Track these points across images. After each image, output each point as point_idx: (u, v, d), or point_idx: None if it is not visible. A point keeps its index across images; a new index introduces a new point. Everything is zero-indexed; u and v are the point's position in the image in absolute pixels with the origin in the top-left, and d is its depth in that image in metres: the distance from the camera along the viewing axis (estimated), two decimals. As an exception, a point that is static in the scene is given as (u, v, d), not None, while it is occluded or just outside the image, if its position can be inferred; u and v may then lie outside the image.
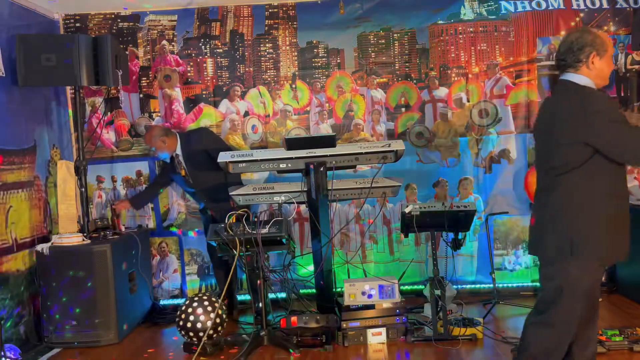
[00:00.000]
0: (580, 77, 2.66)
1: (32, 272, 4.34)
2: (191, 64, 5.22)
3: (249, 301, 4.91)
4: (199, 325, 3.97)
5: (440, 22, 5.12)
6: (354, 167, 4.55)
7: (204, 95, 5.21)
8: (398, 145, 4.26)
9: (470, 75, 5.11)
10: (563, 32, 5.00)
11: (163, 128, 4.82)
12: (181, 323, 4.02)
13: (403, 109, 5.17)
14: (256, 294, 4.15)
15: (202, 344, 3.82)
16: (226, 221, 3.93)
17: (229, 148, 4.83)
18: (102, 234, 4.52)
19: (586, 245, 2.58)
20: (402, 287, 4.47)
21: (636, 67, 5.00)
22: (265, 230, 3.88)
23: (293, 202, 4.44)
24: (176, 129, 5.10)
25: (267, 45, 5.20)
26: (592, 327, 2.83)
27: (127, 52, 5.09)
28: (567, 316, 2.65)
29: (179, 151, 4.74)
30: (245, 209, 3.99)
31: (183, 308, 4.06)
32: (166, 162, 4.87)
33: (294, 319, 3.89)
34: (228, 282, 4.10)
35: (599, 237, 2.58)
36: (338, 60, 5.19)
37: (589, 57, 2.64)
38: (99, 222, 4.71)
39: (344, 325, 4.00)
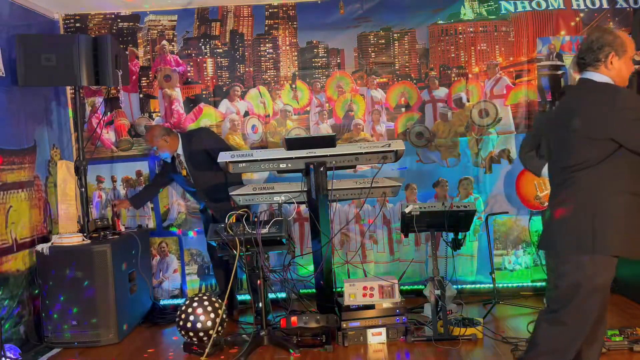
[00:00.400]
0: (599, 76, 2.67)
1: (32, 272, 4.34)
2: (191, 64, 5.22)
3: (249, 301, 4.91)
4: (199, 325, 3.97)
5: (440, 22, 5.12)
6: (354, 167, 4.55)
7: (204, 95, 5.21)
8: (398, 145, 4.26)
9: (470, 75, 5.11)
10: (563, 32, 5.00)
11: (165, 127, 4.83)
12: (181, 323, 4.02)
13: (403, 109, 5.18)
14: (256, 294, 4.15)
15: (207, 349, 3.81)
16: (226, 221, 3.93)
17: (229, 148, 4.83)
18: (102, 234, 4.52)
19: (606, 242, 2.57)
20: (402, 287, 4.47)
21: (636, 67, 4.99)
22: (265, 230, 3.88)
23: (293, 202, 4.44)
24: (176, 129, 5.10)
25: (267, 45, 5.20)
26: (601, 325, 2.82)
27: (127, 52, 5.09)
28: (581, 314, 2.64)
29: (180, 151, 4.74)
30: (246, 209, 3.99)
31: (183, 308, 4.06)
32: (167, 161, 4.87)
33: (294, 319, 3.89)
34: (230, 283, 4.10)
35: (618, 234, 2.58)
36: (338, 60, 5.19)
37: (608, 57, 2.65)
38: (99, 222, 4.71)
39: (344, 325, 4.00)
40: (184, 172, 4.76)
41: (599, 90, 2.65)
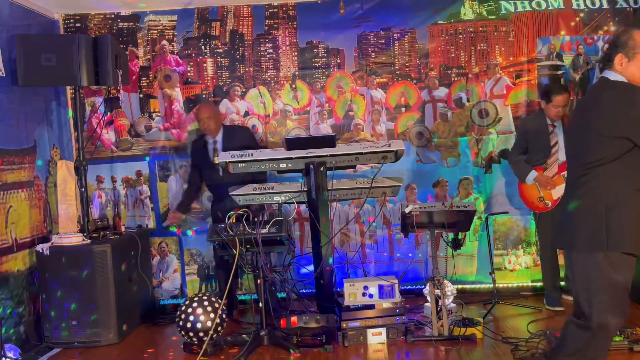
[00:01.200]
0: (614, 75, 2.64)
1: (32, 272, 4.35)
2: (191, 64, 5.22)
3: (249, 301, 4.91)
4: (198, 325, 3.97)
5: (440, 22, 5.12)
6: (354, 167, 4.55)
7: (204, 95, 5.21)
8: (398, 145, 4.26)
9: (470, 75, 5.11)
10: (563, 32, 5.00)
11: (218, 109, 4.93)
12: (181, 323, 4.02)
13: (403, 109, 5.18)
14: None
15: (205, 345, 3.81)
16: (226, 221, 3.94)
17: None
18: (102, 234, 4.52)
19: (619, 238, 2.55)
20: (402, 287, 4.47)
21: None
22: (265, 230, 3.88)
23: (293, 202, 4.43)
24: (176, 128, 5.13)
25: (267, 45, 5.20)
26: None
27: (127, 52, 5.09)
28: (606, 315, 2.58)
29: (219, 139, 4.76)
30: (246, 209, 3.98)
31: (183, 308, 4.06)
32: (196, 151, 4.84)
33: (294, 319, 3.89)
34: (229, 283, 4.10)
35: (631, 231, 2.55)
36: (338, 60, 5.19)
37: (615, 58, 2.62)
38: (99, 222, 4.71)
39: (344, 325, 4.01)
40: (216, 160, 4.74)
41: (616, 88, 2.62)
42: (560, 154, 4.49)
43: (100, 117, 5.16)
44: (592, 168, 2.63)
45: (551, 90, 4.49)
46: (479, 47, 5.11)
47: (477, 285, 5.12)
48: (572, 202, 2.72)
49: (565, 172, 4.35)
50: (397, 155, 4.26)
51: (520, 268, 5.13)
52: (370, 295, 4.07)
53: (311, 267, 4.68)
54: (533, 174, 4.48)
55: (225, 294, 4.05)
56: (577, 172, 2.72)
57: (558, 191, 4.43)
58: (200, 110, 4.80)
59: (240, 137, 4.78)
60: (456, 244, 4.11)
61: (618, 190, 2.58)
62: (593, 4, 4.97)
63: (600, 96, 2.67)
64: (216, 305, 4.05)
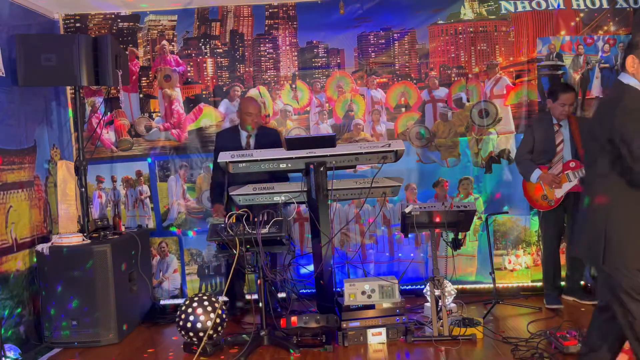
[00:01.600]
0: (627, 77, 2.57)
1: (32, 272, 4.35)
2: (191, 64, 5.22)
3: (249, 301, 4.90)
4: (198, 325, 3.97)
5: (440, 22, 5.12)
6: (354, 167, 4.55)
7: (204, 95, 5.21)
8: (398, 145, 4.27)
9: (470, 75, 5.11)
10: (563, 32, 5.00)
11: None
12: (181, 323, 4.02)
13: (403, 109, 5.18)
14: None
15: (202, 344, 3.81)
16: (226, 221, 3.94)
17: None
18: (102, 234, 4.52)
19: (618, 254, 2.47)
20: (402, 287, 4.47)
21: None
22: (265, 230, 3.88)
23: (293, 202, 4.43)
24: (176, 128, 5.13)
25: (267, 45, 5.20)
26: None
27: (127, 52, 5.09)
28: None
29: (253, 134, 4.76)
30: (246, 209, 3.98)
31: (183, 308, 4.05)
32: (224, 143, 4.71)
33: (294, 319, 3.88)
34: (228, 282, 4.10)
35: (633, 242, 2.47)
36: (338, 60, 5.19)
37: (627, 60, 2.55)
38: (99, 222, 4.71)
39: (344, 325, 4.00)
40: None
41: (616, 90, 2.57)
42: (565, 153, 4.51)
43: (100, 117, 5.16)
44: (597, 177, 2.58)
45: (558, 88, 4.53)
46: (479, 47, 5.11)
47: (477, 285, 5.12)
48: (585, 210, 2.67)
49: (569, 171, 4.43)
50: (397, 155, 4.26)
51: (520, 268, 5.13)
52: (370, 296, 4.06)
53: (311, 267, 4.68)
54: (537, 173, 4.51)
55: (225, 292, 4.05)
56: (587, 176, 2.69)
57: (561, 190, 4.45)
58: (250, 104, 4.74)
59: (273, 139, 4.78)
60: (456, 244, 4.11)
61: (616, 199, 2.51)
62: (593, 4, 4.97)
63: (608, 99, 2.63)
64: (216, 305, 4.05)
